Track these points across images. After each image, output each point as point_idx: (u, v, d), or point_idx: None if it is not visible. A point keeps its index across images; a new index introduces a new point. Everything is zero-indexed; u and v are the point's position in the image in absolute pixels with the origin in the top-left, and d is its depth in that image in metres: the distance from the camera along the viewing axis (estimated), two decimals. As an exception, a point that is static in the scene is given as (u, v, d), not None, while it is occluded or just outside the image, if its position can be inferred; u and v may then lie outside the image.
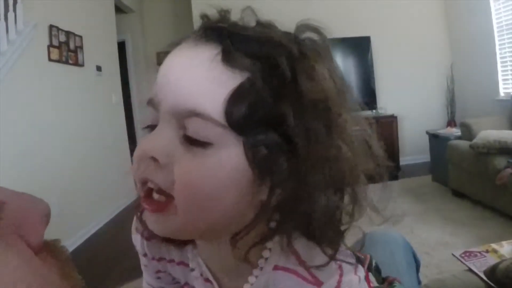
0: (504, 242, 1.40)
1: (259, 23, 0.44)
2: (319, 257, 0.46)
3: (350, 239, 0.52)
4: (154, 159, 0.40)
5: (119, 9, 5.26)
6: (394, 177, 4.49)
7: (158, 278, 0.63)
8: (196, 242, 0.53)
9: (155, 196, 0.42)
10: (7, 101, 2.58)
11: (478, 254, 1.31)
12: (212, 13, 0.45)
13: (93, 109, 4.02)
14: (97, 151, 3.98)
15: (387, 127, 4.58)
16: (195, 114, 0.39)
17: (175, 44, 0.46)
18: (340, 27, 4.86)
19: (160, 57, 6.22)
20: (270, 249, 0.49)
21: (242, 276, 0.51)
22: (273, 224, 0.45)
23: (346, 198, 0.46)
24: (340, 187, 0.44)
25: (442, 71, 5.03)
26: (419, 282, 1.05)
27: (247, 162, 0.40)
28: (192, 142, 0.40)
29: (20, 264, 0.30)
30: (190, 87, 0.40)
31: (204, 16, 0.46)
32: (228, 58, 0.40)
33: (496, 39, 4.20)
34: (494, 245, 1.37)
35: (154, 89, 0.43)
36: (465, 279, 1.12)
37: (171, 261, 0.57)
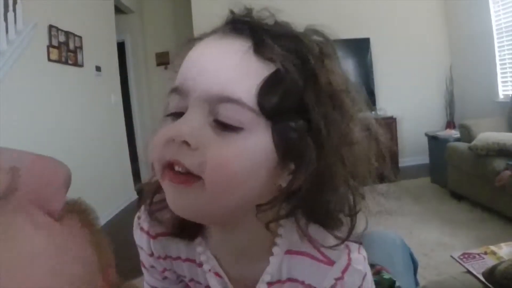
0: (502, 244, 1.40)
1: (277, 22, 0.48)
2: (328, 239, 0.50)
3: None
4: (185, 142, 0.42)
5: (119, 10, 5.26)
6: (392, 179, 4.49)
7: (164, 278, 0.63)
8: (207, 233, 0.54)
9: (179, 169, 0.43)
10: (7, 101, 2.58)
11: (477, 256, 1.31)
12: (239, 9, 0.48)
13: (92, 109, 4.02)
14: (96, 151, 3.98)
15: (386, 129, 4.57)
16: (229, 100, 0.41)
17: (197, 39, 0.49)
18: (340, 28, 4.84)
19: (160, 58, 6.24)
20: (281, 235, 0.51)
21: (253, 265, 0.53)
22: (287, 208, 0.47)
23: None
24: (356, 171, 0.49)
25: (441, 72, 5.03)
26: (417, 283, 1.05)
27: (274, 146, 0.43)
28: (223, 127, 0.42)
29: (39, 238, 0.29)
30: (225, 75, 0.42)
31: (232, 11, 0.48)
32: (260, 50, 0.43)
33: (496, 41, 4.20)
34: (492, 247, 1.37)
35: (181, 77, 0.45)
36: (464, 280, 1.12)
37: (178, 258, 0.58)
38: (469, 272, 1.18)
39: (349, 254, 0.52)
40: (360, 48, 4.88)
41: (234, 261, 0.54)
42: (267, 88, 0.42)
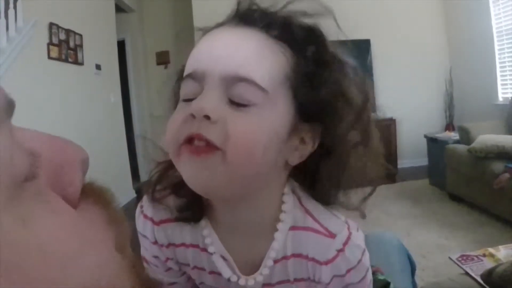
0: (501, 246, 1.40)
1: (278, 10, 0.51)
2: (327, 215, 0.55)
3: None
4: (206, 117, 0.44)
5: (119, 8, 5.26)
6: (391, 180, 4.50)
7: (167, 270, 0.63)
8: (212, 216, 0.56)
9: (197, 143, 0.46)
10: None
11: (475, 258, 1.32)
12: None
13: (92, 107, 4.02)
14: (95, 150, 3.97)
15: (386, 130, 4.58)
16: (244, 80, 0.45)
17: (208, 29, 0.52)
18: (339, 32, 4.86)
19: (160, 57, 6.25)
20: (285, 211, 0.54)
21: (258, 243, 0.55)
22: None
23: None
24: (362, 141, 0.53)
25: (441, 74, 5.04)
26: (415, 285, 1.05)
27: (289, 117, 0.48)
28: (238, 104, 0.46)
29: (57, 227, 0.28)
30: (240, 58, 0.46)
31: (238, 3, 0.52)
32: (274, 35, 0.48)
33: (496, 43, 4.20)
34: (491, 249, 1.37)
35: (194, 64, 0.50)
36: (462, 282, 1.13)
37: (182, 245, 0.58)
38: (467, 274, 1.18)
39: (349, 229, 0.55)
40: (360, 49, 4.88)
41: (240, 241, 0.56)
42: (297, 65, 0.48)
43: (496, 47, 4.20)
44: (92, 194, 0.35)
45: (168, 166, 0.56)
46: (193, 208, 0.55)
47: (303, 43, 0.49)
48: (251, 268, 0.57)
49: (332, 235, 0.54)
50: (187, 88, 0.49)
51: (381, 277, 0.86)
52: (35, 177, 0.27)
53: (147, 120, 5.97)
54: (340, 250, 0.54)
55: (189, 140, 0.46)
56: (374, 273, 0.80)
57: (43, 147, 0.30)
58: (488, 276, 1.06)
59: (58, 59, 3.38)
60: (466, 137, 3.36)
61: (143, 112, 5.90)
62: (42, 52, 3.19)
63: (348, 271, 0.54)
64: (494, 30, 4.19)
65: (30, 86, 2.96)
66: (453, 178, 3.43)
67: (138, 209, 0.62)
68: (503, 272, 1.00)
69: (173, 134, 0.47)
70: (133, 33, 5.80)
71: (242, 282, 0.56)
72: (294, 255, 0.55)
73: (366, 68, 4.90)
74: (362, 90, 0.53)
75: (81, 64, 3.82)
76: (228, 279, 0.57)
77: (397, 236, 1.13)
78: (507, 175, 2.58)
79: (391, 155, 4.62)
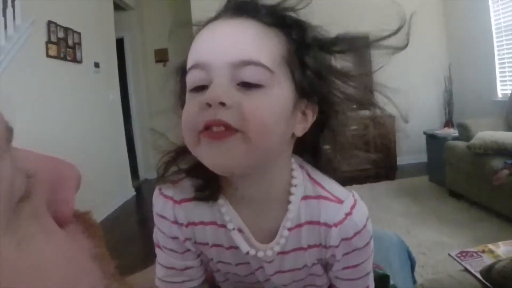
0: (500, 243, 1.41)
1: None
2: (334, 185, 0.61)
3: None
4: (222, 104, 0.48)
5: (118, 6, 5.25)
6: (391, 177, 4.51)
7: (185, 251, 0.64)
8: (229, 193, 0.59)
9: (216, 129, 0.49)
10: (5, 97, 2.57)
11: (475, 254, 1.32)
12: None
13: (90, 105, 4.02)
14: (94, 148, 3.98)
15: (385, 127, 4.58)
16: (250, 63, 0.49)
17: (205, 22, 0.56)
18: (338, 26, 4.85)
19: (158, 55, 6.24)
20: (295, 185, 0.59)
21: (272, 216, 0.59)
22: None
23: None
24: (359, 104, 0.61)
25: (440, 71, 5.03)
26: (415, 281, 1.05)
27: (292, 94, 0.53)
28: (247, 87, 0.49)
29: (50, 248, 0.29)
30: (243, 44, 0.50)
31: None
32: (267, 23, 0.53)
33: (495, 40, 4.20)
34: (490, 246, 1.37)
35: (198, 54, 0.52)
36: (461, 278, 1.13)
37: (201, 223, 0.61)
38: (466, 270, 1.18)
39: (354, 196, 0.61)
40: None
41: (255, 214, 0.60)
42: (290, 47, 0.53)
43: (495, 44, 4.20)
44: (82, 222, 0.36)
45: (177, 154, 0.61)
46: (211, 187, 0.58)
47: (291, 27, 0.55)
48: (267, 238, 0.60)
49: (340, 201, 0.59)
50: (194, 77, 0.52)
51: (380, 272, 0.87)
52: (30, 197, 0.28)
53: (146, 118, 5.97)
54: (348, 214, 0.59)
55: (207, 128, 0.49)
56: (373, 270, 0.81)
57: (38, 167, 0.31)
58: (487, 272, 1.06)
59: (57, 57, 3.38)
60: (465, 133, 3.36)
61: (142, 110, 5.90)
62: (40, 50, 3.18)
63: (355, 234, 0.59)
64: (493, 27, 4.18)
65: (29, 84, 2.96)
66: (453, 175, 3.44)
67: (156, 192, 0.63)
68: (503, 268, 1.00)
69: (190, 123, 0.51)
70: (132, 31, 5.80)
71: (260, 254, 0.60)
72: (307, 222, 0.59)
73: (365, 64, 4.90)
74: (346, 59, 0.61)
75: (80, 62, 3.82)
76: (247, 253, 0.60)
77: (397, 233, 1.14)
78: (506, 171, 2.58)
79: (390, 152, 4.63)
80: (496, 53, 4.22)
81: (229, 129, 0.48)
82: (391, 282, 0.88)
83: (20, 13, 2.86)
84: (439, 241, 2.56)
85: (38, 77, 3.10)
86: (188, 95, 0.54)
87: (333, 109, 0.57)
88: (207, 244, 0.62)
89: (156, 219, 0.63)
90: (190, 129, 0.51)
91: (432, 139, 4.01)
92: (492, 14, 4.18)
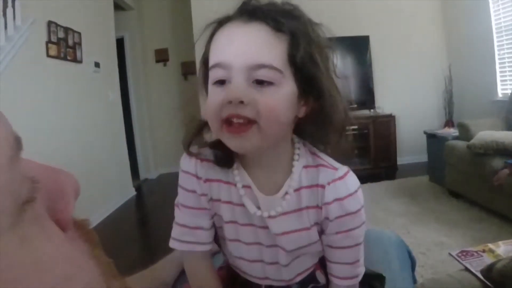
0: (500, 242, 1.41)
1: (284, 2, 0.67)
2: (330, 158, 0.73)
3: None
4: (241, 102, 0.59)
5: (118, 6, 5.25)
6: (391, 176, 4.51)
7: (200, 209, 0.75)
8: (243, 160, 0.72)
9: (236, 121, 0.61)
10: (5, 97, 2.57)
11: (475, 254, 1.32)
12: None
13: (91, 105, 4.02)
14: (94, 148, 3.98)
15: (385, 127, 4.59)
16: (264, 66, 0.60)
17: (219, 22, 0.66)
18: (339, 26, 4.85)
19: (158, 54, 6.24)
20: (298, 155, 0.71)
21: (277, 178, 0.71)
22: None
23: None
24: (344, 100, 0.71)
25: (440, 71, 5.04)
26: (415, 281, 1.05)
27: (296, 87, 0.64)
28: (261, 84, 0.60)
29: (51, 248, 0.31)
30: (257, 50, 0.60)
31: (245, 2, 0.65)
32: (276, 28, 0.61)
33: (495, 40, 4.20)
34: (490, 245, 1.37)
35: (219, 56, 0.62)
36: (461, 278, 1.13)
37: (218, 180, 0.74)
38: (467, 269, 1.18)
39: (347, 168, 0.71)
40: (359, 46, 4.88)
41: (264, 176, 0.72)
42: (292, 51, 0.62)
43: (496, 44, 4.20)
44: (81, 229, 0.38)
45: (200, 128, 0.73)
46: (228, 157, 0.71)
47: (293, 30, 0.63)
48: (272, 193, 0.72)
49: (335, 168, 0.70)
50: (216, 74, 0.63)
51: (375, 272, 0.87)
52: (33, 201, 0.31)
53: (146, 117, 5.97)
54: (342, 177, 0.69)
55: (229, 119, 0.61)
56: (368, 269, 0.82)
57: (40, 176, 0.34)
58: (487, 271, 1.06)
59: (57, 57, 3.38)
60: (465, 133, 3.36)
61: (142, 110, 5.90)
62: (40, 50, 3.18)
63: (347, 196, 0.68)
64: (494, 27, 4.18)
65: (29, 84, 2.96)
66: (453, 175, 3.44)
67: (183, 155, 0.75)
68: (503, 267, 1.00)
69: (214, 113, 0.62)
70: (132, 30, 5.80)
71: (265, 214, 0.71)
72: (307, 186, 0.71)
73: (365, 65, 4.90)
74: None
75: (80, 62, 3.82)
76: (254, 213, 0.71)
77: (397, 233, 1.13)
78: (506, 171, 2.58)
79: (390, 151, 4.63)
80: (496, 53, 4.22)
81: (246, 122, 0.60)
82: (388, 283, 0.88)
83: (20, 13, 2.86)
84: (439, 241, 2.56)
85: (38, 77, 3.10)
86: (210, 87, 0.65)
87: (324, 93, 0.66)
88: (219, 200, 0.74)
89: (180, 176, 0.75)
90: (214, 118, 0.63)
91: (432, 139, 4.00)
92: (492, 14, 4.18)
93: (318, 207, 0.70)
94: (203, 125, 0.72)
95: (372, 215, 3.15)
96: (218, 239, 0.83)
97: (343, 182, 0.69)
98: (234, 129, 0.61)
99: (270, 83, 0.61)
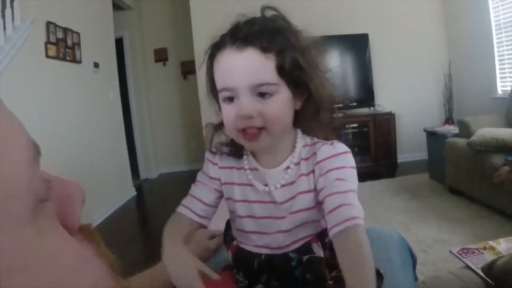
0: (501, 239, 1.40)
1: (266, 19, 0.80)
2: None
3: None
4: (250, 116, 0.74)
5: (117, 6, 5.25)
6: (391, 174, 4.51)
7: (209, 186, 0.92)
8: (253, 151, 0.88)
9: (249, 131, 0.76)
10: (4, 98, 2.57)
11: (476, 251, 1.32)
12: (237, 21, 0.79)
13: (90, 105, 4.02)
14: (94, 148, 3.98)
15: (385, 125, 4.59)
16: (263, 84, 0.74)
17: (215, 45, 0.79)
18: (338, 24, 4.86)
19: (158, 54, 6.24)
20: (299, 138, 0.86)
21: (280, 160, 0.85)
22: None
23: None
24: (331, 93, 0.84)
25: (440, 68, 5.03)
26: (416, 278, 1.05)
27: (290, 93, 0.78)
28: (263, 96, 0.75)
29: (64, 245, 0.35)
30: (255, 72, 0.74)
31: (235, 26, 0.78)
32: (266, 51, 0.74)
33: (494, 37, 4.19)
34: (491, 242, 1.37)
35: (225, 81, 0.77)
36: (462, 275, 1.13)
37: (232, 167, 0.90)
38: (468, 267, 1.18)
39: (337, 141, 0.85)
40: (358, 44, 4.87)
41: (270, 160, 0.86)
42: (280, 65, 0.75)
43: (495, 41, 4.20)
44: (85, 232, 0.42)
45: (216, 128, 0.89)
46: (239, 149, 0.88)
47: (278, 47, 0.75)
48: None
49: (328, 143, 0.83)
50: (225, 95, 0.78)
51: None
52: (48, 200, 0.35)
53: (146, 116, 5.97)
54: (332, 143, 0.83)
55: (243, 129, 0.76)
56: None
57: (54, 182, 0.38)
58: (488, 269, 1.06)
59: (56, 57, 3.38)
60: (465, 130, 3.36)
61: (142, 109, 5.90)
62: (39, 51, 3.18)
63: (336, 155, 0.80)
64: (493, 24, 4.18)
65: (28, 85, 2.96)
66: (453, 172, 3.44)
67: (207, 152, 0.93)
68: (504, 265, 1.00)
69: (232, 126, 0.78)
70: (131, 30, 5.80)
71: (272, 188, 0.84)
72: (306, 158, 0.84)
73: (365, 63, 4.90)
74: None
75: (79, 62, 3.82)
76: (263, 190, 0.84)
77: (397, 230, 1.13)
78: (506, 168, 2.58)
79: (390, 149, 4.63)
80: (495, 50, 4.21)
81: (258, 129, 0.76)
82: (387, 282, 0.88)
83: (19, 14, 2.86)
84: (440, 238, 2.56)
85: (37, 77, 3.10)
86: (222, 104, 0.80)
87: (310, 84, 0.79)
88: (233, 183, 0.89)
89: (205, 164, 0.93)
90: (232, 129, 0.79)
91: (432, 136, 4.01)
92: (491, 11, 4.17)
93: (313, 171, 0.82)
94: (216, 128, 0.89)
95: (373, 213, 3.15)
96: (225, 236, 0.98)
97: (334, 146, 0.82)
98: (249, 136, 0.77)
99: (270, 94, 0.75)
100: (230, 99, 0.78)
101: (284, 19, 0.81)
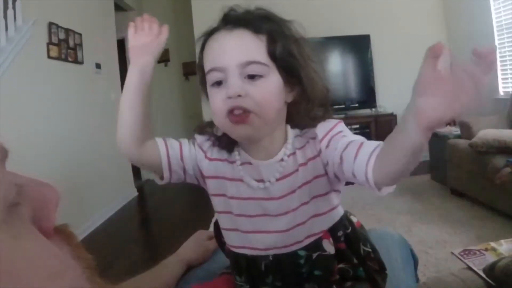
0: (503, 241, 1.40)
1: (256, 8, 0.78)
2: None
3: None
4: (239, 95, 0.71)
5: (119, 7, 5.26)
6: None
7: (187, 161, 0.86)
8: (242, 145, 0.83)
9: (237, 112, 0.72)
10: (6, 98, 2.58)
11: (477, 252, 1.32)
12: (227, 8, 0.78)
13: (92, 106, 4.02)
14: (96, 149, 3.98)
15: (386, 126, 4.58)
16: (252, 62, 0.72)
17: (207, 33, 0.78)
18: (340, 25, 4.86)
19: (160, 55, 6.27)
20: (290, 131, 0.83)
21: (275, 149, 0.82)
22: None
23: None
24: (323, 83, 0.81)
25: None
26: (417, 280, 1.05)
27: (281, 79, 0.75)
28: (252, 78, 0.72)
29: (38, 246, 0.34)
30: (244, 50, 0.73)
31: (227, 12, 0.77)
32: (257, 33, 0.74)
33: (496, 38, 4.19)
34: (493, 244, 1.37)
35: (214, 61, 0.74)
36: (464, 277, 1.13)
37: (225, 160, 0.85)
38: (469, 268, 1.18)
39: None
40: (360, 45, 4.87)
41: (263, 154, 0.82)
42: (271, 48, 0.74)
43: (497, 42, 4.19)
44: (62, 234, 0.41)
45: (208, 124, 0.86)
46: (230, 142, 0.83)
47: (269, 30, 0.74)
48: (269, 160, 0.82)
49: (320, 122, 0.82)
50: (213, 77, 0.75)
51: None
52: (20, 205, 0.34)
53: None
54: (324, 120, 0.82)
55: (231, 111, 0.72)
56: None
57: (27, 186, 0.37)
58: (490, 270, 1.06)
59: (58, 58, 3.39)
60: (467, 132, 3.35)
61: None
62: (41, 51, 3.19)
63: (333, 127, 0.80)
64: (494, 25, 4.17)
65: (30, 85, 2.96)
66: (455, 173, 3.43)
67: (196, 134, 0.88)
68: (505, 266, 1.00)
69: (219, 109, 0.74)
70: (133, 31, 5.79)
71: (267, 185, 0.81)
72: (301, 147, 0.81)
73: (366, 64, 4.90)
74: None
75: (81, 63, 3.82)
76: (257, 187, 0.81)
77: (399, 232, 1.13)
78: (508, 169, 2.57)
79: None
80: (497, 51, 4.20)
81: (246, 112, 0.71)
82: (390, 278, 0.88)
83: (21, 14, 2.87)
84: (441, 239, 2.56)
85: (39, 78, 3.11)
86: (210, 89, 0.77)
87: (303, 78, 0.77)
88: (224, 177, 0.84)
89: (189, 142, 0.88)
90: (220, 113, 0.74)
91: (434, 138, 4.00)
92: (493, 12, 4.17)
93: (317, 155, 0.80)
94: (208, 124, 0.86)
95: (375, 214, 3.14)
96: (220, 240, 0.93)
97: (326, 122, 0.81)
98: (237, 118, 0.72)
99: (259, 76, 0.73)
100: (218, 83, 0.74)
101: (274, 13, 0.79)
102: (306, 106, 0.80)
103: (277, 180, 0.80)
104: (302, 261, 0.82)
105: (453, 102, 0.49)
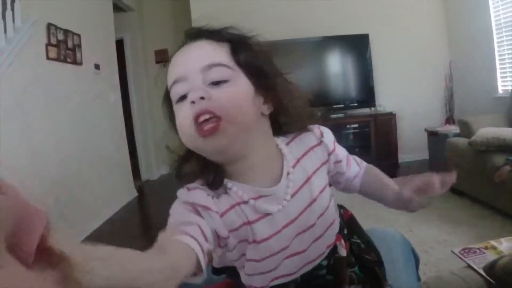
0: (503, 239, 1.40)
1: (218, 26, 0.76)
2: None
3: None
4: (202, 98, 0.66)
5: (118, 7, 5.25)
6: (392, 174, 4.50)
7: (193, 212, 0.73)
8: (232, 177, 0.75)
9: (203, 118, 0.65)
10: (5, 99, 2.58)
11: (477, 251, 1.31)
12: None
13: (91, 107, 4.02)
14: (95, 149, 3.98)
15: (386, 125, 4.58)
16: (214, 65, 0.68)
17: (174, 52, 0.75)
18: (339, 25, 4.86)
19: (159, 55, 6.24)
20: (279, 143, 0.79)
21: (273, 169, 0.76)
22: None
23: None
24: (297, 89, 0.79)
25: (440, 68, 5.03)
26: (419, 279, 1.05)
27: (250, 83, 0.71)
28: (218, 84, 0.68)
29: (23, 277, 0.32)
30: (206, 54, 0.70)
31: (186, 32, 0.76)
32: (217, 40, 0.72)
33: (495, 36, 4.19)
34: (493, 242, 1.37)
35: (176, 72, 0.71)
36: (464, 275, 1.13)
37: (236, 204, 0.73)
38: (469, 267, 1.18)
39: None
40: (359, 44, 4.87)
41: (268, 180, 0.75)
42: (234, 53, 0.71)
43: (496, 40, 4.19)
44: (46, 255, 0.37)
45: (184, 158, 0.77)
46: (218, 177, 0.74)
47: (231, 39, 0.73)
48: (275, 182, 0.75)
49: (304, 131, 0.82)
50: (176, 90, 0.70)
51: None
52: None
53: (148, 118, 5.96)
54: (316, 127, 0.83)
55: (197, 118, 0.65)
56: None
57: (8, 211, 0.33)
58: (490, 268, 1.06)
59: (57, 59, 3.38)
60: (466, 130, 3.35)
61: (143, 111, 5.90)
62: (40, 52, 3.18)
63: (334, 140, 0.83)
64: (493, 23, 4.17)
65: (29, 86, 2.96)
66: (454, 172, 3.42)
67: (182, 189, 0.74)
68: (506, 264, 1.00)
69: (184, 120, 0.68)
70: (132, 32, 5.80)
71: (284, 203, 0.75)
72: (303, 155, 0.79)
73: (366, 63, 4.90)
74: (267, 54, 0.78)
75: (80, 64, 3.82)
76: (278, 211, 0.74)
77: (400, 231, 1.13)
78: (508, 167, 2.57)
79: (391, 149, 4.63)
80: (496, 49, 4.21)
81: (214, 117, 0.65)
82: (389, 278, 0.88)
83: (19, 15, 2.86)
84: (441, 238, 2.56)
85: (38, 79, 3.10)
86: (175, 108, 0.72)
87: (276, 88, 0.74)
88: (248, 222, 0.73)
89: (183, 194, 0.73)
90: (185, 128, 0.68)
91: (434, 136, 4.00)
92: (492, 11, 4.17)
93: (326, 161, 0.82)
94: (186, 157, 0.77)
95: (375, 214, 3.14)
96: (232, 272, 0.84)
97: (321, 127, 0.83)
98: (206, 128, 0.65)
99: (224, 81, 0.68)
100: (183, 98, 0.69)
101: (237, 28, 0.76)
102: (289, 116, 0.78)
103: (292, 196, 0.75)
104: (324, 272, 0.82)
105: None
